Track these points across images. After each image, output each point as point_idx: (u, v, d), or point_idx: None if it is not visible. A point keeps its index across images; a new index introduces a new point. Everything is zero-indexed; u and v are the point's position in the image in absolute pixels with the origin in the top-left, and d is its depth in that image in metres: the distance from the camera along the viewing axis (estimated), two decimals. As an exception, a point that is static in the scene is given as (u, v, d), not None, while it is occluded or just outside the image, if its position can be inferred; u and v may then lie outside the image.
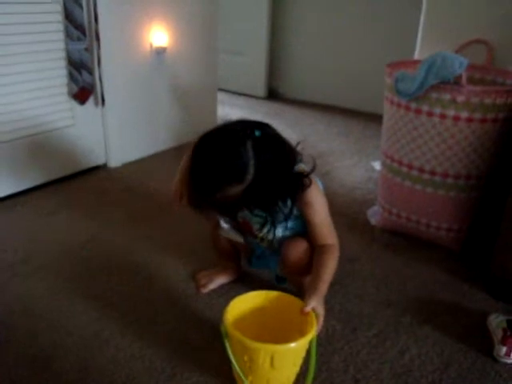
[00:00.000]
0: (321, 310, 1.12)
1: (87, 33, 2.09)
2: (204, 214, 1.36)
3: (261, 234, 1.35)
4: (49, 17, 1.97)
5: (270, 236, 1.33)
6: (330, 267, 1.23)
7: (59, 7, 1.97)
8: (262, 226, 1.30)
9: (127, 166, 2.44)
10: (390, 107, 1.71)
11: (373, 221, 1.93)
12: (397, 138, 1.70)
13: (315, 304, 1.11)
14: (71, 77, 2.08)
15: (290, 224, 1.31)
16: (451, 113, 1.54)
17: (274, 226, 1.28)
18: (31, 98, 2.01)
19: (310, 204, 1.23)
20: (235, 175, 1.06)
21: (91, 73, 2.15)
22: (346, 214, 1.99)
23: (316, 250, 1.27)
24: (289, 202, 1.20)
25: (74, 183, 2.22)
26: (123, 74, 2.32)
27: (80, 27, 2.03)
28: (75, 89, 2.11)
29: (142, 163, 2.49)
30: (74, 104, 2.16)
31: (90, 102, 2.22)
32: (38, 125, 2.07)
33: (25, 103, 1.99)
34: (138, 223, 1.88)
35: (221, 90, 3.00)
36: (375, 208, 1.97)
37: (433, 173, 1.64)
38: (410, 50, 2.19)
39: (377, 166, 2.42)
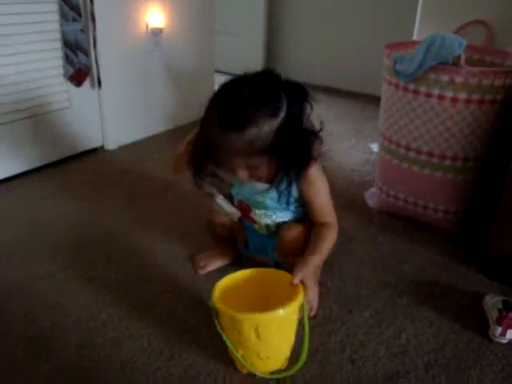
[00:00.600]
0: (310, 283, 1.11)
1: (82, 13, 2.06)
2: (204, 183, 1.27)
3: (259, 219, 1.35)
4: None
5: (268, 220, 1.33)
6: (326, 242, 1.22)
7: (53, -13, 1.94)
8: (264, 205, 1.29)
9: (124, 149, 2.43)
10: (388, 88, 1.70)
11: (370, 203, 1.93)
12: (395, 119, 1.69)
13: (303, 276, 1.10)
14: (67, 58, 2.06)
15: (291, 207, 1.30)
16: (449, 94, 1.53)
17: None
18: (26, 79, 1.99)
19: (311, 182, 1.21)
20: (270, 107, 1.03)
21: (87, 54, 2.13)
22: (344, 196, 1.99)
23: (314, 226, 1.26)
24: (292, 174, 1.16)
25: (71, 166, 2.22)
26: (119, 56, 2.30)
27: (75, 8, 2.00)
28: (71, 70, 2.09)
29: (139, 145, 2.48)
30: (70, 86, 2.14)
31: (86, 83, 2.21)
32: (33, 107, 2.05)
33: (20, 85, 1.97)
34: (136, 205, 1.88)
35: (218, 71, 2.98)
36: (373, 190, 1.97)
37: (430, 154, 1.63)
38: (409, 31, 2.17)
39: (374, 147, 2.42)
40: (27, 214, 1.80)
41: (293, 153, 1.09)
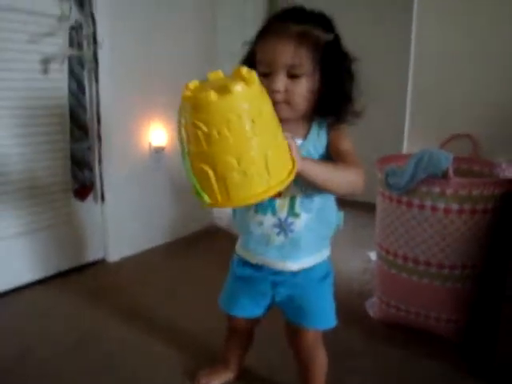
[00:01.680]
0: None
1: (90, 133, 2.18)
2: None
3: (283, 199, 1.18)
4: (55, 118, 2.09)
5: (297, 188, 1.16)
6: (342, 170, 1.12)
7: (65, 110, 2.08)
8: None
9: (125, 261, 2.45)
10: (383, 201, 1.77)
11: (371, 312, 1.92)
12: (390, 230, 1.73)
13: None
14: (73, 174, 2.15)
15: (317, 198, 1.23)
16: (441, 205, 1.59)
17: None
18: (33, 194, 2.07)
19: (340, 132, 1.17)
20: (325, 23, 1.09)
21: (92, 170, 2.22)
22: (344, 305, 1.95)
23: None
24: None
25: (72, 278, 2.22)
26: (123, 172, 2.40)
27: (83, 128, 2.12)
28: (76, 186, 2.16)
29: (141, 257, 2.50)
30: (74, 200, 2.21)
31: (90, 198, 2.27)
32: (36, 221, 2.11)
33: (26, 201, 2.05)
34: (136, 319, 1.86)
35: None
36: (373, 299, 1.96)
37: (428, 264, 1.66)
38: (398, 143, 2.29)
39: (373, 256, 2.43)
40: (23, 332, 1.77)
41: (337, 78, 1.09)
